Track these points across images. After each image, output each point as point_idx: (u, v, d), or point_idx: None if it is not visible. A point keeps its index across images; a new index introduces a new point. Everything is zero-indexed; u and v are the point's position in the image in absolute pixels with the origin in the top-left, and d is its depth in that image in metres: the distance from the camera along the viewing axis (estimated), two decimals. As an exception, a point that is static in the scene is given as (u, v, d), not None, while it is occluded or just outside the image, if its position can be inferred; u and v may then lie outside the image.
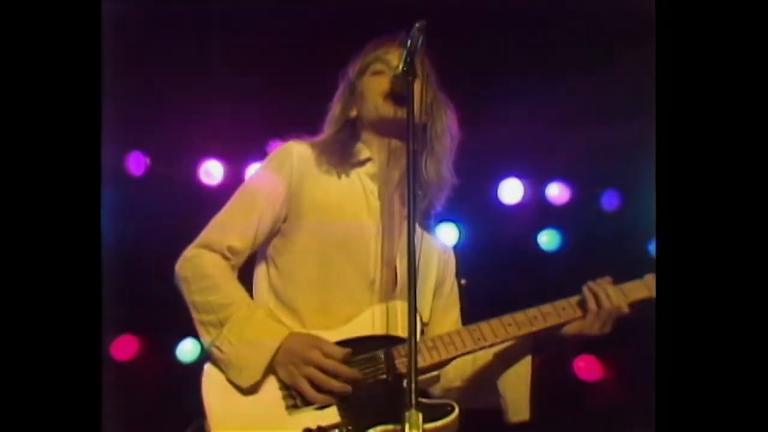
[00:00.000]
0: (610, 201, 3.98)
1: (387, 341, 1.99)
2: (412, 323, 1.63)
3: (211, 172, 4.07)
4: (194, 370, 4.30)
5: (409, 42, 1.84)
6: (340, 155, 2.16)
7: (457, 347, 1.99)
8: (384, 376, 1.94)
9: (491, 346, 2.03)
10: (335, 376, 1.91)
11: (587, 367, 3.93)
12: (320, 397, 1.91)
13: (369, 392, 1.93)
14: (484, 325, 2.02)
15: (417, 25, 1.83)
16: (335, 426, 1.89)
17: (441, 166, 2.18)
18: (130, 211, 3.80)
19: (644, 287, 2.08)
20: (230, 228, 2.11)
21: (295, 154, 2.15)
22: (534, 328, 2.02)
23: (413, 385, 1.54)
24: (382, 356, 1.96)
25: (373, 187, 2.15)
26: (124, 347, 4.07)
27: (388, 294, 2.07)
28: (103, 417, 1.54)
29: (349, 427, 1.89)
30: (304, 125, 3.74)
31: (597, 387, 3.94)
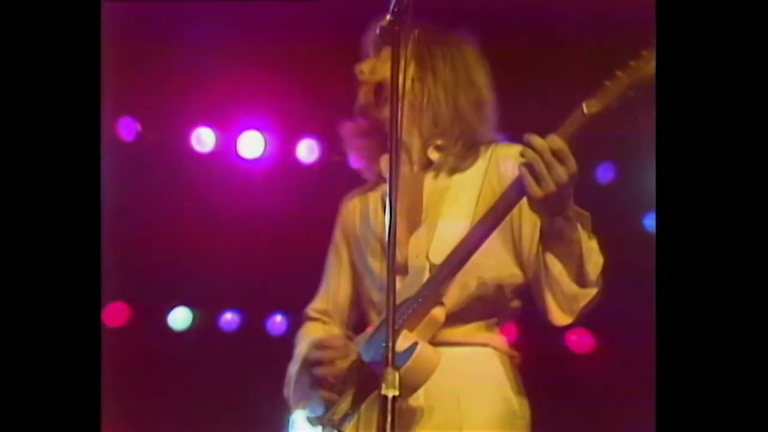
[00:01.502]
0: (605, 174, 3.96)
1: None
2: (390, 281, 1.54)
3: (204, 139, 4.03)
4: (185, 338, 4.33)
5: None
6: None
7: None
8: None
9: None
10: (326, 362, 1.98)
11: (579, 341, 3.94)
12: (324, 393, 1.98)
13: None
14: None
15: None
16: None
17: (453, 110, 2.07)
18: (119, 176, 3.76)
19: (579, 116, 1.74)
20: (319, 293, 2.29)
21: (343, 207, 2.27)
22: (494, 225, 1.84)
23: (391, 343, 1.47)
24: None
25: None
26: (115, 314, 4.06)
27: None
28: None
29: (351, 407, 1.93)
30: (297, 94, 3.76)
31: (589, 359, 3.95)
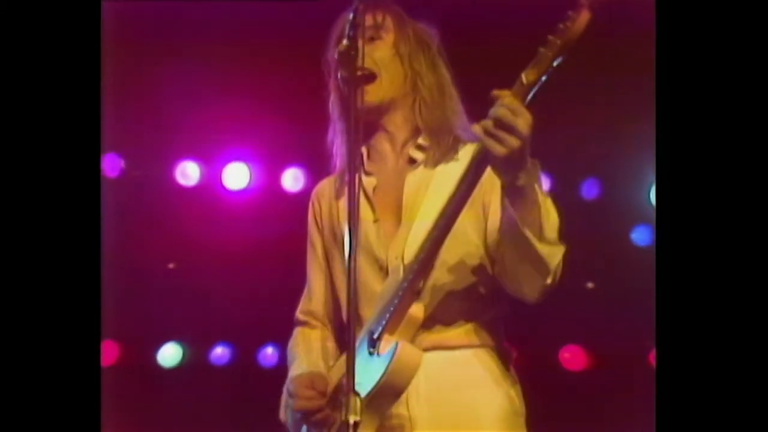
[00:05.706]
0: (589, 190, 3.97)
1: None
2: (351, 309, 1.55)
3: (188, 173, 4.02)
4: (175, 375, 4.27)
5: (351, 15, 1.71)
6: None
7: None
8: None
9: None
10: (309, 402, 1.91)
11: (572, 358, 3.91)
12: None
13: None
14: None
15: None
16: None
17: (439, 111, 2.04)
18: (105, 214, 3.74)
19: (518, 86, 1.70)
20: (303, 293, 2.20)
21: (313, 196, 2.20)
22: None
23: (351, 366, 1.47)
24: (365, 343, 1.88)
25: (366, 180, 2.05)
26: (105, 353, 4.01)
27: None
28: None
29: None
30: (280, 123, 3.76)
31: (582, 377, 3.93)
